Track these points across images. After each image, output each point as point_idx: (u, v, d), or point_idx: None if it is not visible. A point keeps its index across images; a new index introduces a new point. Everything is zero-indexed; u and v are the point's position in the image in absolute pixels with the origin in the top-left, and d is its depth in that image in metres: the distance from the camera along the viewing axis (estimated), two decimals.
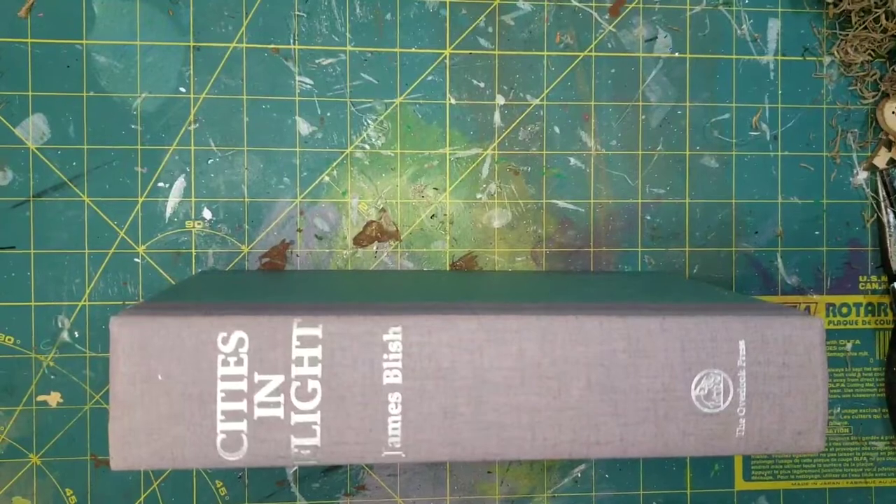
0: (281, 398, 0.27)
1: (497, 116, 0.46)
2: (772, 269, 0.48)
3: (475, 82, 0.46)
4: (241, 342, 0.27)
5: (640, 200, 0.47)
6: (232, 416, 0.27)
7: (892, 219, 0.48)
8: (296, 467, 0.45)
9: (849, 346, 0.48)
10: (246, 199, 0.45)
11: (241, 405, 0.27)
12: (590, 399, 0.28)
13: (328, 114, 0.45)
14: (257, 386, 0.27)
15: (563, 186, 0.46)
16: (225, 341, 0.27)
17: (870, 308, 0.48)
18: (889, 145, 0.48)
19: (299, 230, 0.45)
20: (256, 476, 0.45)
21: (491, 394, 0.28)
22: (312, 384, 0.27)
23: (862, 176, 0.48)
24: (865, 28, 0.47)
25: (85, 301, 0.44)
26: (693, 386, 0.28)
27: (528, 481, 0.46)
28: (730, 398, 0.28)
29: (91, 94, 0.43)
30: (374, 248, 0.45)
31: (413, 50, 0.45)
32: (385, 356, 0.27)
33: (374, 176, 0.45)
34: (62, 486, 0.44)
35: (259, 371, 0.27)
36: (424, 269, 0.46)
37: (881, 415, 0.48)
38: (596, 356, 0.28)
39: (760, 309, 0.30)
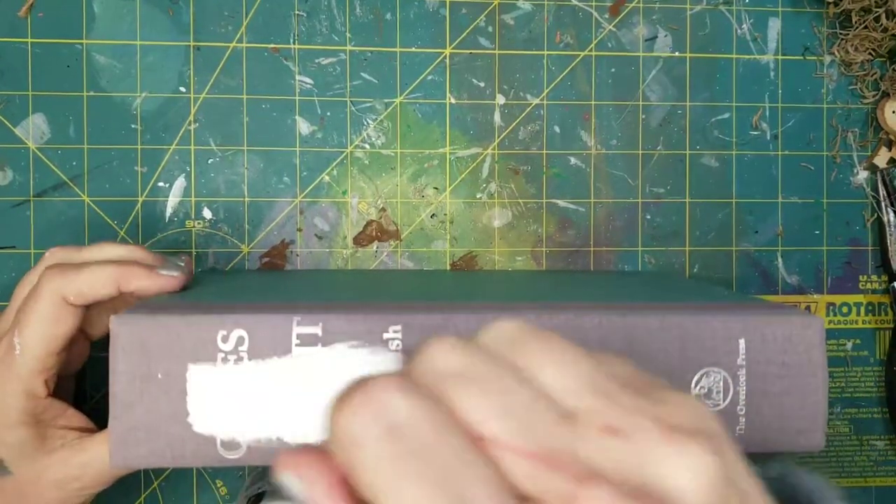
0: None
1: (497, 116, 0.46)
2: (772, 269, 0.48)
3: (475, 82, 0.46)
4: (240, 340, 0.27)
5: (640, 200, 0.47)
6: None
7: (892, 218, 0.48)
8: None
9: (849, 345, 0.48)
10: (246, 199, 0.45)
11: None
12: None
13: (328, 113, 0.45)
14: None
15: (563, 186, 0.46)
16: (225, 339, 0.27)
17: (870, 307, 0.48)
18: (889, 145, 0.48)
19: (299, 230, 0.45)
20: None
21: None
22: None
23: (862, 175, 0.48)
24: (866, 27, 0.47)
25: None
26: (693, 385, 0.28)
27: None
28: (730, 397, 0.28)
29: (91, 93, 0.43)
30: (374, 247, 0.45)
31: (413, 49, 0.45)
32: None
33: (374, 175, 0.45)
34: None
35: None
36: (424, 268, 0.46)
37: (881, 414, 0.48)
38: None
39: (760, 308, 0.30)
